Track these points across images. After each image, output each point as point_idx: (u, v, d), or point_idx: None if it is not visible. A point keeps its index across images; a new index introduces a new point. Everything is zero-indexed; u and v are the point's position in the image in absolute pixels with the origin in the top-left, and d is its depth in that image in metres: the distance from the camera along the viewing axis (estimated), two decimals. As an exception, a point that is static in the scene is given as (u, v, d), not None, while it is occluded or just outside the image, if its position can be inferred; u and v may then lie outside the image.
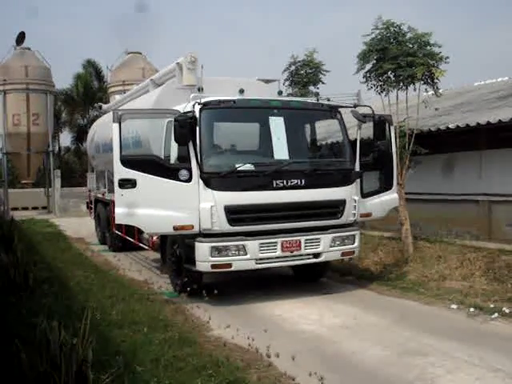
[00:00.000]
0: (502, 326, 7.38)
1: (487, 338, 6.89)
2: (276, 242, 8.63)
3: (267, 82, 12.28)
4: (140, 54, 30.52)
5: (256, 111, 9.19)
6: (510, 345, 6.64)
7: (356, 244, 9.35)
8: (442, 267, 10.20)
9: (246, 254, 8.46)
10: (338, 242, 9.11)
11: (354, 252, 9.44)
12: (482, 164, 12.40)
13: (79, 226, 19.77)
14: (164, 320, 7.48)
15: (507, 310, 7.77)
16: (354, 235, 9.30)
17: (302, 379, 5.60)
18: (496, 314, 7.70)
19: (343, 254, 9.34)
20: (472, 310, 7.99)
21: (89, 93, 38.70)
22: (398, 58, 10.45)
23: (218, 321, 7.58)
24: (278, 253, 8.68)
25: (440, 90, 11.32)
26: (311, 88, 14.33)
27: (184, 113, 8.43)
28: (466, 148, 12.74)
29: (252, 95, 9.28)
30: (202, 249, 8.36)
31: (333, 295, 9.33)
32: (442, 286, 9.43)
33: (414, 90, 11.02)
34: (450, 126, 12.10)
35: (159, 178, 8.21)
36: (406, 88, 10.94)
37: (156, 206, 8.22)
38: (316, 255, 9.03)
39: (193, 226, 8.34)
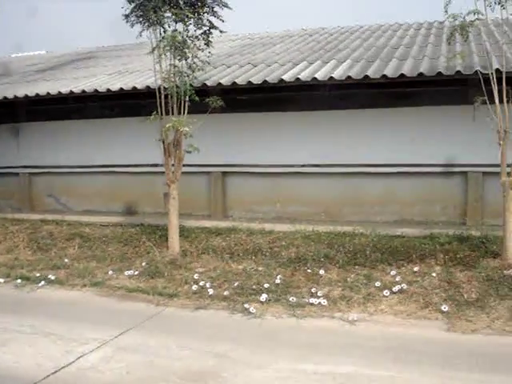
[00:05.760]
0: (49, 293, 7.74)
1: (36, 307, 7.15)
2: None
3: None
4: None
5: None
6: (57, 309, 7.01)
7: None
8: (-14, 242, 10.06)
9: None
10: None
11: None
12: (20, 137, 12.49)
13: None
14: None
15: (53, 277, 8.18)
16: None
17: None
18: (43, 282, 8.05)
19: None
20: (19, 281, 8.16)
21: None
22: None
23: None
24: None
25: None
26: None
27: None
28: (4, 121, 12.63)
29: None
30: None
31: None
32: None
33: None
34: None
35: None
36: None
37: None
38: None
39: None
